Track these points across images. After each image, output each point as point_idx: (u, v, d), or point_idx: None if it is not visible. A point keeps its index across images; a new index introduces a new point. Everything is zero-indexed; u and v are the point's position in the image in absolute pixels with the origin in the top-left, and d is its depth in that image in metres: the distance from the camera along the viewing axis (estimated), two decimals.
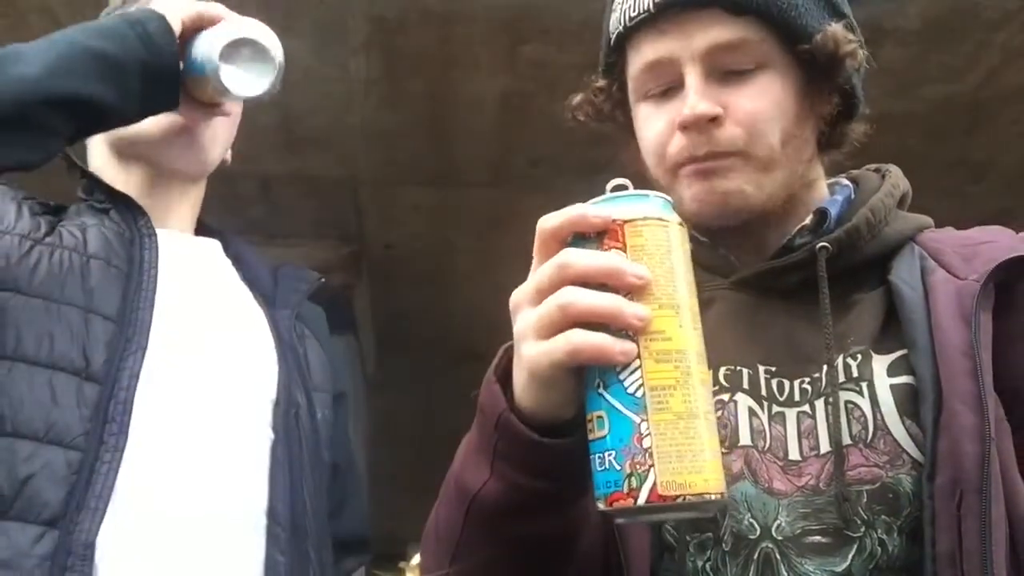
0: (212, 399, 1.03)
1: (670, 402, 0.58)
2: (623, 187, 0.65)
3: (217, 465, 1.01)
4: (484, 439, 0.67)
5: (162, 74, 0.98)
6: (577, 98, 0.94)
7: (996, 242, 0.82)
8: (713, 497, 0.58)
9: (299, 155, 2.90)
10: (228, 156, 1.20)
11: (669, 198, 0.64)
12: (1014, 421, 0.75)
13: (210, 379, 1.04)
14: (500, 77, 2.53)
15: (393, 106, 2.66)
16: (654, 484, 0.57)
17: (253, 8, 2.43)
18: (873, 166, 0.94)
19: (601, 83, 0.92)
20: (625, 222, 0.61)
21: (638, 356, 0.58)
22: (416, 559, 10.10)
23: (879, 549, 0.74)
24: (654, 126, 0.85)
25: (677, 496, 0.57)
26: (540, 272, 0.61)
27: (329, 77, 2.51)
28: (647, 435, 0.57)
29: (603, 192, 0.65)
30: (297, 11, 2.26)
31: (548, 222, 0.63)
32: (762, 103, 0.81)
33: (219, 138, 1.14)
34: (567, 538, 0.72)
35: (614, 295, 0.59)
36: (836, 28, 0.82)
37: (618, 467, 0.58)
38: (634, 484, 0.57)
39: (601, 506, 0.59)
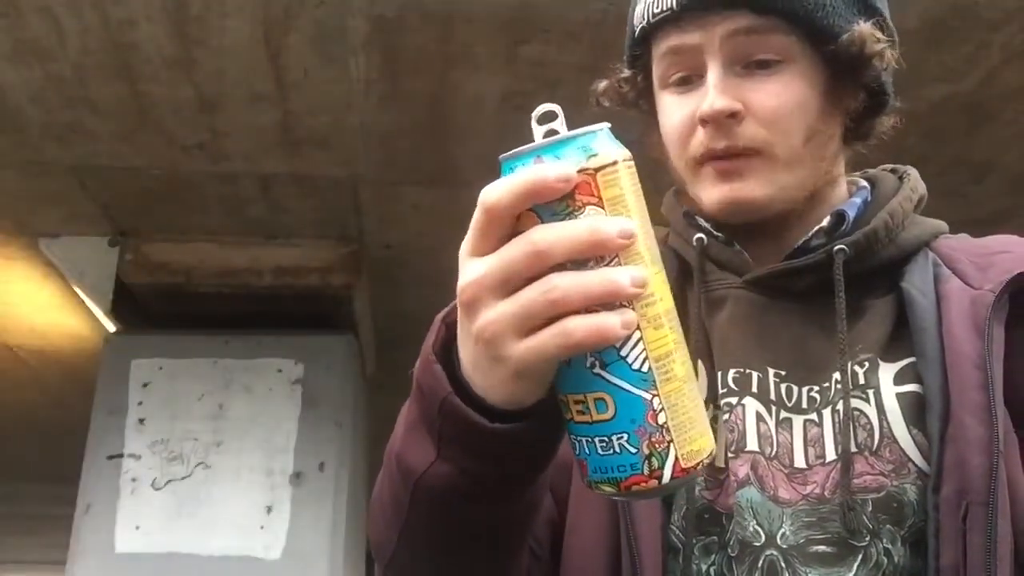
0: None
1: (674, 368, 0.54)
2: (552, 114, 0.55)
3: None
4: (426, 420, 0.62)
5: None
6: (602, 84, 0.93)
7: (1012, 253, 0.81)
8: (714, 452, 0.56)
9: (299, 155, 2.90)
10: None
11: (608, 124, 0.55)
12: (1022, 433, 0.74)
13: None
14: (500, 77, 2.52)
15: (393, 106, 2.66)
16: (676, 459, 0.53)
17: (253, 7, 2.43)
18: (890, 166, 0.93)
19: (626, 73, 0.91)
20: (596, 170, 0.52)
21: (637, 326, 0.53)
22: None
23: (884, 559, 0.73)
24: (675, 116, 0.84)
25: (696, 465, 0.54)
26: (507, 260, 0.52)
27: (329, 77, 2.50)
28: (660, 410, 0.53)
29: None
30: (297, 11, 2.26)
31: (498, 199, 0.52)
32: (784, 100, 0.80)
33: None
34: (518, 521, 0.69)
35: (604, 270, 0.51)
36: (864, 28, 0.81)
37: (633, 450, 0.53)
38: (655, 464, 0.54)
39: (609, 489, 0.55)
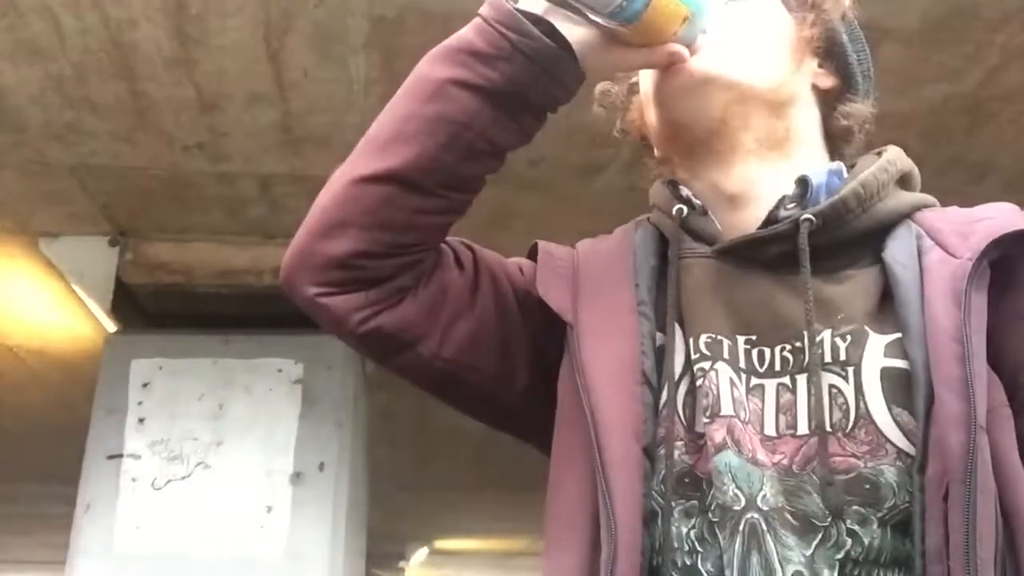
0: None
1: None
2: None
3: None
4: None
5: None
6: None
7: (995, 218, 0.80)
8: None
9: (299, 155, 2.90)
10: None
11: None
12: (1016, 406, 0.72)
13: None
14: None
15: None
16: None
17: (253, 7, 2.43)
18: (876, 150, 0.93)
19: None
20: None
21: None
22: (416, 558, 10.07)
23: (848, 540, 0.71)
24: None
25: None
26: None
27: (329, 77, 2.50)
28: None
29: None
30: (297, 11, 2.26)
31: None
32: (755, 21, 0.87)
33: None
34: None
35: None
36: None
37: None
38: None
39: None
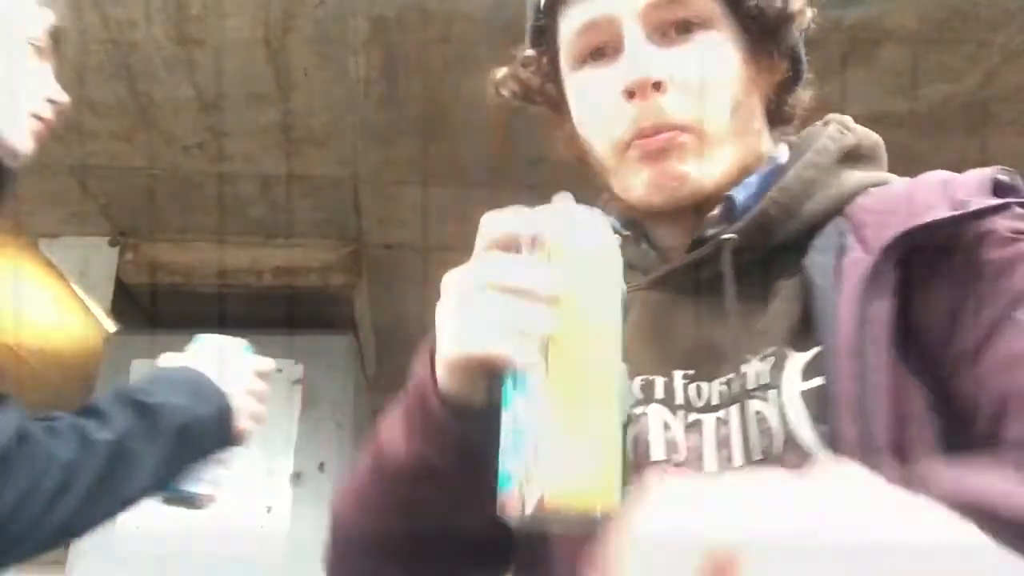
0: None
1: (567, 412, 0.55)
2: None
3: None
4: (406, 410, 0.74)
5: None
6: (501, 72, 0.88)
7: (911, 204, 0.71)
8: (600, 512, 0.53)
9: (299, 155, 2.90)
10: None
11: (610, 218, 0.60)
12: (940, 403, 0.66)
13: None
14: None
15: (393, 106, 2.66)
16: (542, 494, 0.53)
17: (253, 7, 2.43)
18: (823, 120, 0.84)
19: (529, 52, 0.85)
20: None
21: (546, 364, 0.56)
22: None
23: None
24: (595, 93, 0.78)
25: (562, 509, 0.53)
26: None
27: (329, 77, 2.50)
28: (539, 441, 0.54)
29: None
30: (297, 11, 2.26)
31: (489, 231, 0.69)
32: (708, 68, 0.75)
33: None
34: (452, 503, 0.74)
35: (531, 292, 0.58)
36: None
37: (512, 470, 0.57)
38: (524, 491, 0.55)
39: (497, 506, 0.58)
